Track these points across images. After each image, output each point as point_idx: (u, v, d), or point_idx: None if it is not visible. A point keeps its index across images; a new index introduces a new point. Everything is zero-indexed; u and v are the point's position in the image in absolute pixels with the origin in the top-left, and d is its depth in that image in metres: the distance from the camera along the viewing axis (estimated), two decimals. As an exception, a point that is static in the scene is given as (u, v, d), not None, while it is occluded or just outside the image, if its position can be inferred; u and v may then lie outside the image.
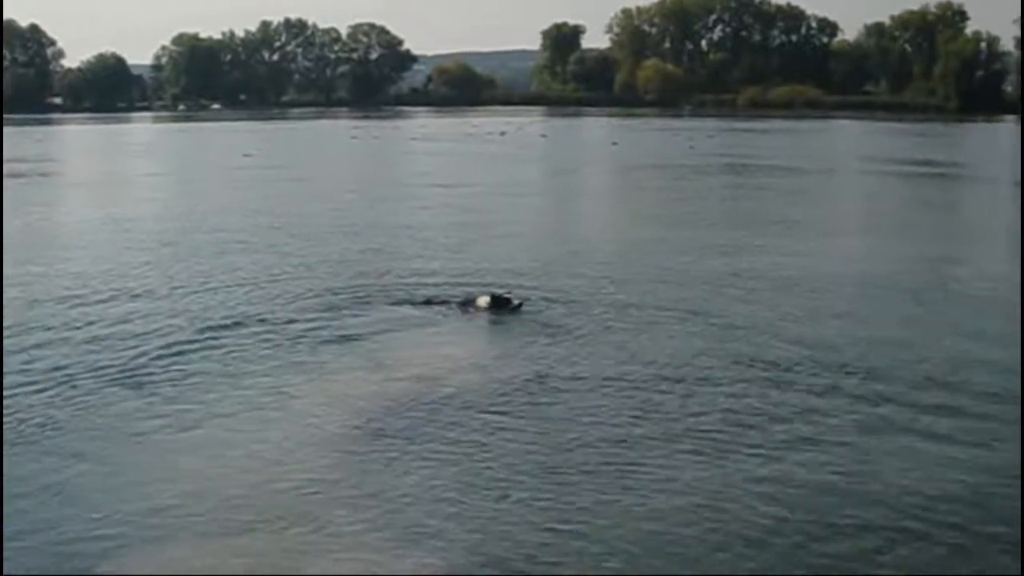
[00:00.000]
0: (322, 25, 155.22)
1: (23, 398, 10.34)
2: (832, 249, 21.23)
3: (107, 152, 58.89)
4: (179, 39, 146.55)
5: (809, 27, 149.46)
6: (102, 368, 11.43)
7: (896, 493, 8.18)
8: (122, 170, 44.03)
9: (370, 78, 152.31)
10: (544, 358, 11.90)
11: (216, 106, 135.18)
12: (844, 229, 25.22)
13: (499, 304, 14.10)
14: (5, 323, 13.19)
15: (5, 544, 7.21)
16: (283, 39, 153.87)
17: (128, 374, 11.26)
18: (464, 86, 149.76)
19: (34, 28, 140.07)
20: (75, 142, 71.22)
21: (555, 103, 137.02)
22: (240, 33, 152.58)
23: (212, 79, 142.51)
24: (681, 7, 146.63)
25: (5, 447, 9.03)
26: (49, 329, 13.26)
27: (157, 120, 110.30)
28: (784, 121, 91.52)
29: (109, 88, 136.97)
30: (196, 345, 12.45)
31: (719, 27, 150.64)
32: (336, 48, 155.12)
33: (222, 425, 9.75)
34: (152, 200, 31.49)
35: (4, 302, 14.54)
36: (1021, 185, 30.79)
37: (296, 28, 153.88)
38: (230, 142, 61.40)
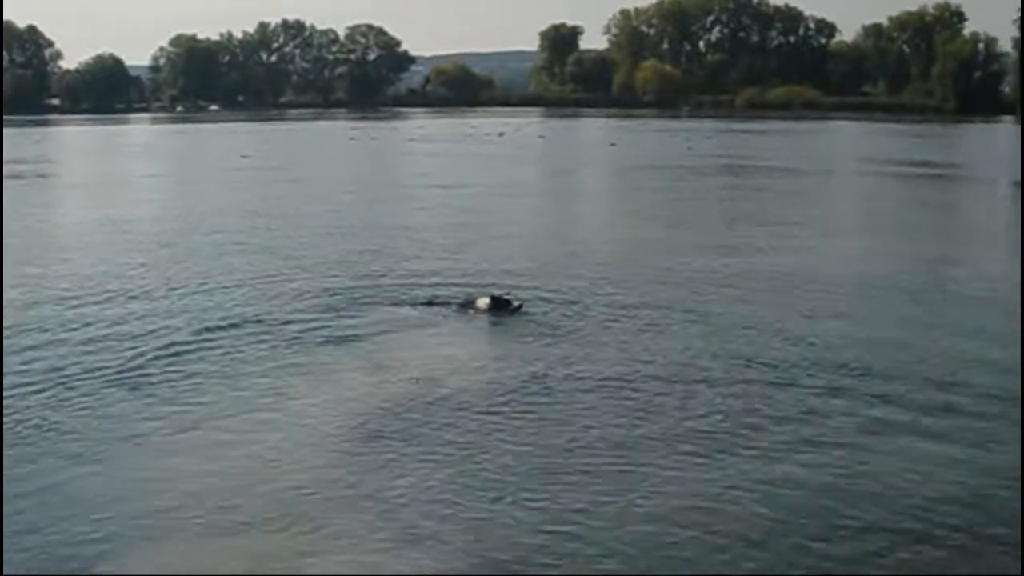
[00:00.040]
0: (320, 26, 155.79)
1: (21, 399, 10.32)
2: (830, 249, 21.25)
3: (105, 153, 58.87)
4: (177, 40, 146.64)
5: (807, 28, 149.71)
6: (100, 369, 11.42)
7: (895, 494, 8.17)
8: (120, 171, 44.02)
9: (368, 79, 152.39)
10: (545, 359, 11.89)
11: (214, 107, 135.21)
12: (842, 230, 25.24)
13: (499, 305, 14.09)
14: (4, 324, 13.17)
15: (5, 544, 7.20)
16: (281, 40, 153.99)
17: (126, 375, 11.25)
18: (462, 87, 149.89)
19: (32, 29, 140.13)
20: (73, 143, 71.21)
21: (553, 104, 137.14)
22: (238, 34, 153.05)
23: (210, 80, 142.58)
24: (679, 8, 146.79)
25: (4, 448, 9.02)
26: (47, 330, 13.24)
27: (155, 121, 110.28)
28: (782, 122, 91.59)
29: (107, 89, 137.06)
30: (194, 346, 12.43)
31: (717, 28, 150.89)
32: (334, 49, 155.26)
33: (220, 426, 9.74)
34: (150, 201, 31.49)
35: (3, 303, 14.52)
36: (1021, 185, 30.78)
37: (294, 29, 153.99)
38: (228, 143, 61.41)
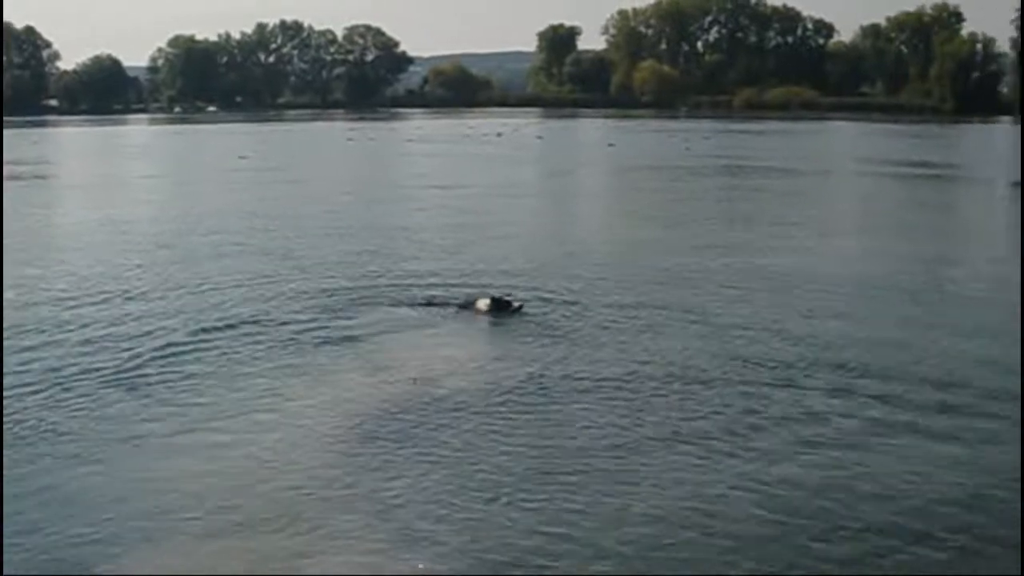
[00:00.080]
0: (318, 27, 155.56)
1: (20, 400, 10.31)
2: (829, 250, 21.27)
3: (103, 154, 58.84)
4: (175, 41, 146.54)
5: (805, 28, 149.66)
6: (99, 370, 11.41)
7: (895, 494, 8.17)
8: (118, 172, 44.00)
9: (366, 80, 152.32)
10: (544, 360, 11.89)
11: (212, 108, 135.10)
12: (840, 230, 25.25)
13: (499, 306, 14.08)
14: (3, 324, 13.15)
15: (5, 544, 7.19)
16: (279, 41, 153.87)
17: (125, 376, 11.24)
18: (460, 87, 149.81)
19: (30, 30, 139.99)
20: (71, 144, 71.15)
21: (551, 104, 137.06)
22: (236, 35, 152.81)
23: (208, 81, 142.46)
24: (677, 8, 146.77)
25: (3, 448, 9.01)
26: (46, 331, 13.23)
27: (153, 122, 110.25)
28: (780, 122, 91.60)
29: (105, 90, 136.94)
30: (192, 347, 12.43)
31: (715, 28, 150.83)
32: (332, 50, 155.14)
33: (219, 427, 9.73)
34: (148, 202, 31.47)
35: (2, 304, 14.50)
36: (1020, 185, 30.78)
37: (292, 30, 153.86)
38: (226, 144, 61.38)
